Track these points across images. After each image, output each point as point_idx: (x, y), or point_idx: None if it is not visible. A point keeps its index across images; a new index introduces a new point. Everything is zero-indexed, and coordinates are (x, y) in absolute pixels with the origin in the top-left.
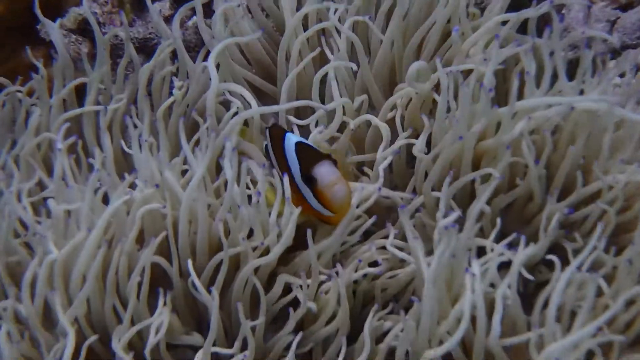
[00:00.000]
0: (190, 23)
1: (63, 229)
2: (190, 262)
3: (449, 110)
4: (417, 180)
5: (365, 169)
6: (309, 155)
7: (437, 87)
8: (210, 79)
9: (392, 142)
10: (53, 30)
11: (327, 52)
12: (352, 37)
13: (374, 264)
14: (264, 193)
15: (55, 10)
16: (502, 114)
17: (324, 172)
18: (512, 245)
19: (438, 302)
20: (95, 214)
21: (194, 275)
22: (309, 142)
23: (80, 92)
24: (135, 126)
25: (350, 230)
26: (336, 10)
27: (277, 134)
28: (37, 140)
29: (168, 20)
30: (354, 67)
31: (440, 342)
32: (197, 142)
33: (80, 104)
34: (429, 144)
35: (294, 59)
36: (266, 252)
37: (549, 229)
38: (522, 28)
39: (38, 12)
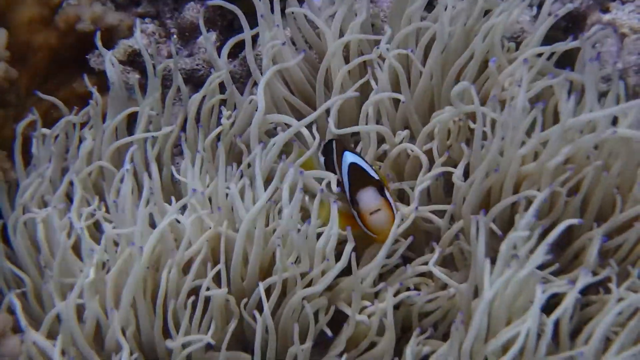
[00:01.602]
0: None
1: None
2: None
3: (485, 138)
4: (455, 208)
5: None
6: (357, 179)
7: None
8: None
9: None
10: (108, 59)
11: (372, 82)
12: (397, 68)
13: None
14: (315, 220)
15: (105, 43)
16: (550, 136)
17: (367, 198)
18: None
19: (490, 320)
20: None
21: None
22: (363, 162)
23: (130, 120)
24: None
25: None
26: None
27: (339, 149)
28: (91, 167)
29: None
30: (402, 98)
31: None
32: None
33: (130, 132)
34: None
35: (337, 89)
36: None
37: (590, 260)
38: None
39: (98, 42)
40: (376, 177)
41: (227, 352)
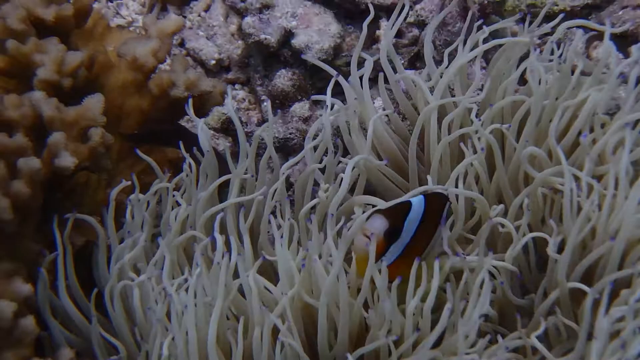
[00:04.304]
0: None
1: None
2: None
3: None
4: (548, 282)
5: None
6: (389, 207)
7: None
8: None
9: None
10: (200, 127)
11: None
12: (492, 142)
13: None
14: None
15: (197, 108)
16: None
17: (372, 220)
18: None
19: None
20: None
21: None
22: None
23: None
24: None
25: None
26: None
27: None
28: (185, 236)
29: (307, 120)
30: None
31: None
32: None
33: (222, 198)
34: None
35: (434, 167)
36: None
37: None
38: None
39: (190, 111)
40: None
41: None
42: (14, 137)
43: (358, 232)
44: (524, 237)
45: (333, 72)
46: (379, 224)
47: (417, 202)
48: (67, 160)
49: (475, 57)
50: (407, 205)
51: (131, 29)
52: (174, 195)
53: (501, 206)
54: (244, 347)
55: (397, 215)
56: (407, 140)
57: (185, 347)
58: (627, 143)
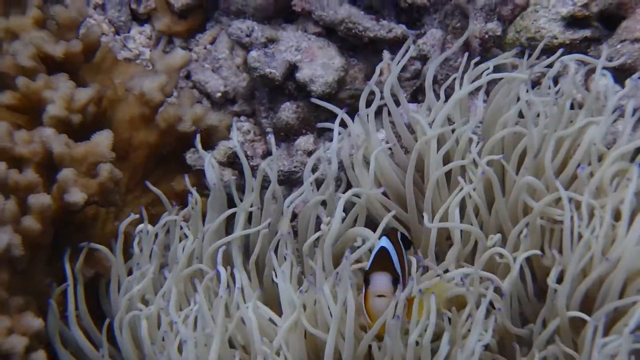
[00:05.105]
0: None
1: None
2: None
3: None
4: (547, 311)
5: None
6: (379, 262)
7: None
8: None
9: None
10: (208, 161)
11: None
12: (490, 173)
13: None
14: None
15: (203, 141)
16: None
17: (379, 280)
18: None
19: None
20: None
21: None
22: (395, 253)
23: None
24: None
25: None
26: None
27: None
28: (192, 269)
29: (311, 154)
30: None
31: None
32: None
33: (229, 232)
34: None
35: (430, 192)
36: None
37: None
38: None
39: (198, 145)
40: (399, 269)
41: None
42: (25, 173)
43: (372, 295)
44: (520, 263)
45: (337, 110)
46: (387, 281)
47: (386, 243)
48: (76, 196)
49: (478, 90)
50: (385, 250)
51: (138, 61)
52: (181, 228)
53: (498, 235)
54: None
55: (388, 264)
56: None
57: None
58: (634, 175)
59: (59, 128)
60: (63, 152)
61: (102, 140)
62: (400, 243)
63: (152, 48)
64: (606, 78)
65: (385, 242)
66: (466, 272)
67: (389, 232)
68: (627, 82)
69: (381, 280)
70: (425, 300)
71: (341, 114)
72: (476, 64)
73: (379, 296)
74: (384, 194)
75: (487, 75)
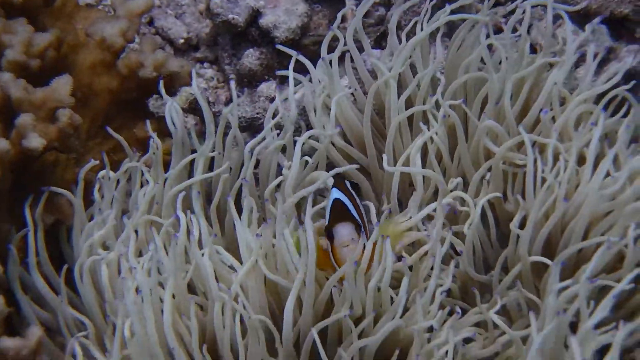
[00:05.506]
0: None
1: None
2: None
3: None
4: (509, 256)
5: None
6: (337, 214)
7: None
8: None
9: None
10: (170, 106)
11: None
12: (453, 116)
13: None
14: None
15: (165, 88)
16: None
17: (341, 231)
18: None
19: None
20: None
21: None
22: (348, 201)
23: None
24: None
25: None
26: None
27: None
28: (149, 217)
29: (274, 100)
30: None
31: None
32: None
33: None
34: None
35: (391, 138)
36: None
37: None
38: None
39: (162, 91)
40: (357, 216)
41: None
42: None
43: (339, 246)
44: (481, 206)
45: (293, 52)
46: (351, 230)
47: (338, 194)
48: (35, 142)
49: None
50: (340, 202)
51: (100, 7)
52: (143, 174)
53: (459, 179)
54: (205, 323)
55: (347, 214)
56: (373, 119)
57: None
58: (600, 119)
59: (18, 73)
60: (21, 97)
61: (62, 85)
62: (351, 191)
63: None
64: (565, 22)
65: (337, 193)
66: (426, 213)
67: (337, 183)
68: (587, 26)
69: (344, 231)
70: (379, 244)
71: (296, 55)
72: (434, 7)
73: (346, 247)
74: (346, 140)
75: (445, 17)
